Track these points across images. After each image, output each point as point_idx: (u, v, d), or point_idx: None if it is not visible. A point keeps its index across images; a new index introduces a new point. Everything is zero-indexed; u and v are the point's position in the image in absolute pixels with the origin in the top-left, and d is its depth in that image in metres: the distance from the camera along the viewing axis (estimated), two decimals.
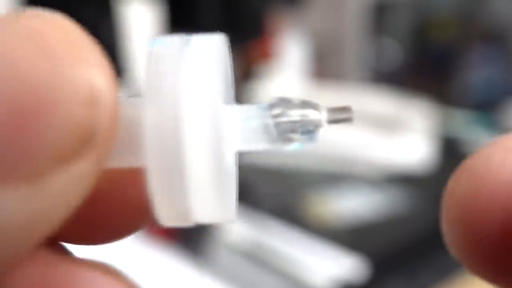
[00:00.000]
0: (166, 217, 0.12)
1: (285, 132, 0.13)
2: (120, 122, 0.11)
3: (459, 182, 0.12)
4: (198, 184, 0.12)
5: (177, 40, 0.12)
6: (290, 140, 0.13)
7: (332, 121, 0.13)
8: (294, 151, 0.13)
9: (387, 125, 0.79)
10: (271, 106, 0.13)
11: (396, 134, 0.78)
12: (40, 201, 0.09)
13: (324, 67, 1.01)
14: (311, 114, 0.13)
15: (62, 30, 0.10)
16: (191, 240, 0.62)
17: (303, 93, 0.87)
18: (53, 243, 0.12)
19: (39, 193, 0.09)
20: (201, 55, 0.12)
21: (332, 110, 0.13)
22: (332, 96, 0.83)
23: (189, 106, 0.11)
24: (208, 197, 0.12)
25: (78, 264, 0.12)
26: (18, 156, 0.09)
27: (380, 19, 1.23)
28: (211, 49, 0.12)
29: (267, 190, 0.71)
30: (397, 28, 1.33)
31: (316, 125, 0.13)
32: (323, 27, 1.00)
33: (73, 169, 0.10)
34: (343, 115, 0.13)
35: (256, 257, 0.58)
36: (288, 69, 0.90)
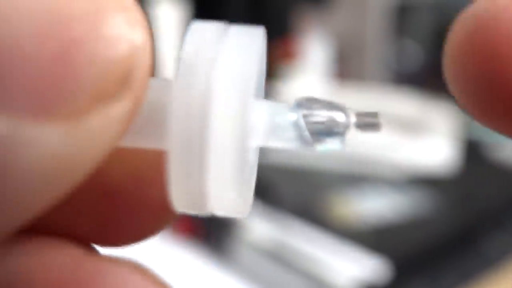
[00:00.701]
0: (181, 202, 0.12)
1: (312, 132, 0.13)
2: (145, 98, 0.11)
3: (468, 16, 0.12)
4: (218, 174, 0.11)
5: (216, 26, 0.12)
6: (318, 141, 0.13)
7: (361, 126, 0.13)
8: (318, 152, 0.13)
9: (410, 127, 0.79)
10: (300, 105, 0.13)
11: (419, 136, 0.78)
12: (78, 139, 0.09)
13: (346, 68, 1.01)
14: (339, 117, 0.13)
15: None
16: (214, 238, 0.63)
17: (325, 94, 0.87)
18: (83, 243, 0.12)
19: (77, 130, 0.09)
20: (240, 45, 0.12)
21: (361, 114, 0.13)
22: (354, 97, 0.83)
23: (220, 94, 0.11)
24: (226, 188, 0.12)
25: (106, 262, 0.12)
26: (61, 92, 0.09)
27: (402, 21, 1.22)
28: (250, 40, 0.12)
29: (290, 190, 0.71)
30: (419, 29, 1.32)
31: (345, 128, 0.13)
32: (345, 28, 0.99)
33: (111, 110, 0.10)
34: (372, 121, 0.13)
35: (278, 257, 0.58)
36: (310, 70, 0.90)
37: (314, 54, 0.90)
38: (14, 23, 0.09)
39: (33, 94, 0.09)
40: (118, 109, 0.10)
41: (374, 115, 0.13)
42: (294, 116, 0.13)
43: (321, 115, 0.13)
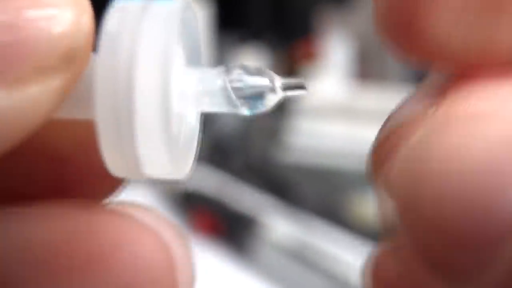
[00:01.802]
0: (116, 167, 0.13)
1: (240, 96, 0.13)
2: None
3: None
4: (146, 138, 0.12)
5: (137, 3, 0.13)
6: (245, 105, 0.13)
7: (286, 88, 0.13)
8: (253, 115, 0.13)
9: None
10: (228, 70, 0.13)
11: None
12: (18, 103, 0.11)
13: (367, 68, 1.00)
14: (264, 81, 0.13)
15: None
16: (235, 237, 0.63)
17: (347, 94, 0.87)
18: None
19: (18, 96, 0.11)
20: (158, 18, 0.12)
21: (287, 79, 0.14)
22: (375, 97, 0.83)
23: (141, 61, 0.12)
24: (156, 152, 0.12)
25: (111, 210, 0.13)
26: (6, 61, 0.10)
27: None
28: (168, 12, 0.13)
29: (312, 190, 0.71)
30: None
31: (270, 91, 0.13)
32: (367, 29, 0.99)
33: (51, 81, 0.11)
34: (297, 84, 0.14)
35: (300, 256, 0.58)
36: (332, 70, 0.90)
37: (335, 54, 0.90)
38: None
39: None
40: (57, 82, 0.11)
41: (300, 80, 0.14)
42: (221, 81, 0.13)
43: (248, 80, 0.13)
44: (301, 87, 0.14)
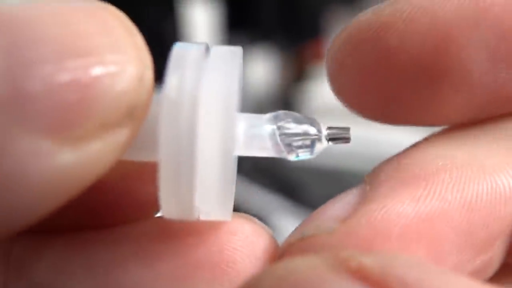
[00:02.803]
0: (171, 210, 0.13)
1: (287, 143, 0.14)
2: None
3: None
4: (204, 182, 0.12)
5: (198, 46, 0.13)
6: (291, 151, 0.14)
7: (331, 139, 0.14)
8: (299, 162, 0.14)
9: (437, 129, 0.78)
10: (276, 117, 0.14)
11: None
12: (82, 159, 0.11)
13: None
14: (311, 130, 0.14)
15: (116, 16, 0.12)
16: None
17: None
18: None
19: (82, 152, 0.11)
20: (222, 64, 0.13)
21: (332, 128, 0.14)
22: None
23: (205, 109, 0.12)
24: (212, 196, 0.13)
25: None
26: (73, 118, 0.11)
27: None
28: (232, 58, 0.13)
29: (320, 191, 0.71)
30: None
31: (315, 140, 0.14)
32: None
33: (114, 136, 0.11)
34: (342, 135, 0.14)
35: None
36: None
37: None
38: (39, 47, 0.10)
39: (51, 115, 0.10)
40: (119, 136, 0.11)
41: (345, 129, 0.14)
42: (270, 127, 0.14)
43: (295, 128, 0.14)
44: (345, 138, 0.14)
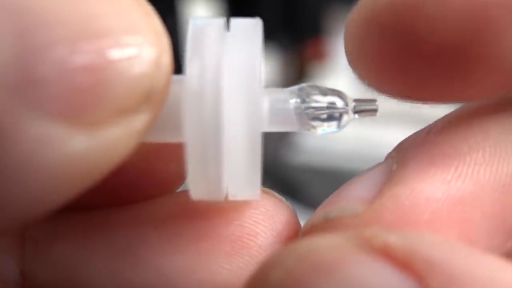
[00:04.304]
0: (199, 192, 0.13)
1: (312, 117, 0.13)
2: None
3: None
4: (232, 162, 0.12)
5: (217, 22, 0.12)
6: (317, 125, 0.13)
7: (358, 111, 0.13)
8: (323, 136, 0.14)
9: None
10: (301, 90, 0.13)
11: None
12: (97, 145, 0.10)
13: None
14: (338, 102, 0.13)
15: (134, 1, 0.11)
16: None
17: (356, 94, 0.86)
18: None
19: (97, 138, 0.10)
20: (243, 38, 0.12)
21: (359, 100, 0.14)
22: (386, 98, 0.82)
23: (229, 84, 0.12)
24: (240, 174, 0.12)
25: None
26: (88, 102, 0.10)
27: None
28: (252, 32, 0.12)
29: (322, 191, 0.71)
30: None
31: (342, 113, 0.13)
32: None
33: (131, 122, 0.11)
34: (369, 107, 0.14)
35: None
36: (342, 70, 0.90)
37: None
38: (51, 30, 0.10)
39: (64, 99, 0.10)
40: (137, 122, 0.11)
41: (372, 101, 0.14)
42: (294, 101, 0.13)
43: (320, 101, 0.13)
44: (372, 110, 0.14)
